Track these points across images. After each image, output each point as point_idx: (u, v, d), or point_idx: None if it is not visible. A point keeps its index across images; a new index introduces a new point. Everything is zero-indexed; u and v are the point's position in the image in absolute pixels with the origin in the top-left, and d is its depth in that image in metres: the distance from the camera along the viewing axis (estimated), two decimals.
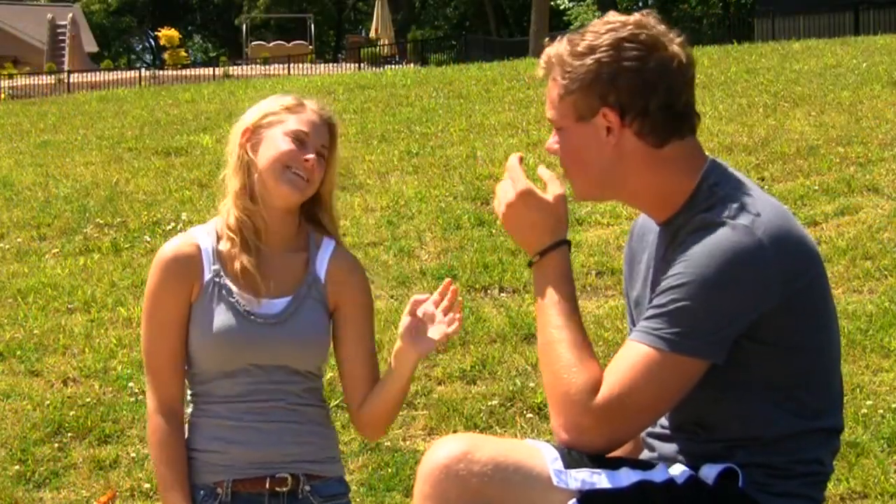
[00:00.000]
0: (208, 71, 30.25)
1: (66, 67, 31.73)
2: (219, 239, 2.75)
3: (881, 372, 4.99)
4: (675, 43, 2.17)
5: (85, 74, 29.66)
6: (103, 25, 53.59)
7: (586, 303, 6.20)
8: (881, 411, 4.59)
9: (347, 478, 4.47)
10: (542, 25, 27.62)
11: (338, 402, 5.11)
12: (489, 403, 5.07)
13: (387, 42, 34.75)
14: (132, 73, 30.42)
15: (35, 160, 11.51)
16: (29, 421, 5.09)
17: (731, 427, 2.15)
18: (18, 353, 5.91)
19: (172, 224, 8.31)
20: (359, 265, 2.83)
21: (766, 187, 8.03)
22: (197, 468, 2.70)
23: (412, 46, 37.95)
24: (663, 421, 2.25)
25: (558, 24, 37.34)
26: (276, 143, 2.69)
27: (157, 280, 2.73)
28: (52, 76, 29.47)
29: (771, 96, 11.34)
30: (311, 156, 2.67)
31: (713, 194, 2.14)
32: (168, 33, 32.85)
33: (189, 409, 2.77)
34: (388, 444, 4.77)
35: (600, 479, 2.03)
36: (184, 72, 29.57)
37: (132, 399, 5.29)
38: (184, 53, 34.06)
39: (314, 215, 2.80)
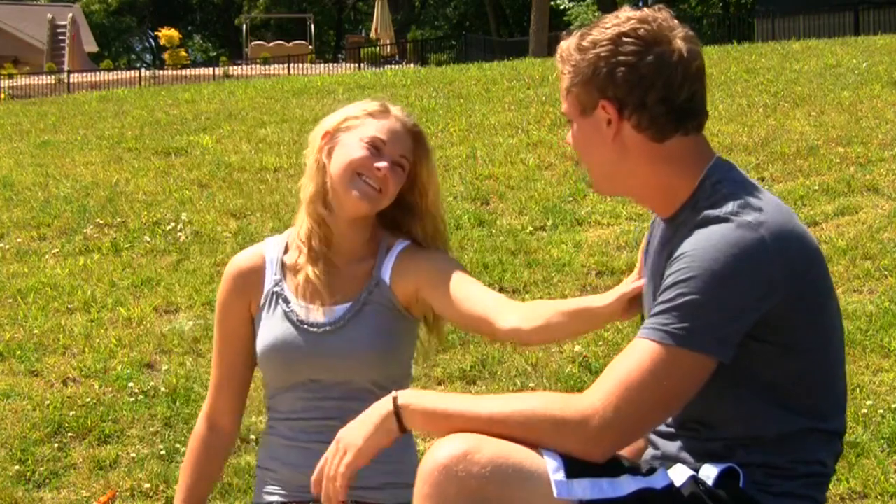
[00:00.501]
0: (208, 71, 30.25)
1: (66, 67, 31.73)
2: (287, 249, 2.70)
3: (881, 372, 4.99)
4: (679, 37, 2.17)
5: (85, 74, 29.65)
6: (103, 25, 53.59)
7: None
8: (881, 411, 4.59)
9: None
10: (542, 25, 27.61)
11: None
12: None
13: (387, 42, 34.75)
14: (132, 73, 30.42)
15: (35, 160, 11.51)
16: (29, 421, 5.09)
17: (733, 426, 2.15)
18: (18, 353, 5.91)
19: (172, 224, 8.31)
20: (436, 252, 2.66)
21: (767, 187, 7.99)
22: (258, 486, 2.68)
23: (412, 46, 37.95)
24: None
25: (558, 24, 37.34)
26: (350, 149, 2.59)
27: (221, 293, 2.71)
28: (52, 76, 29.47)
29: (771, 96, 11.34)
30: (383, 164, 2.57)
31: (716, 191, 2.14)
32: (168, 33, 32.85)
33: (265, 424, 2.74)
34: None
35: (602, 488, 2.01)
36: (184, 72, 29.58)
37: (132, 399, 5.29)
38: (184, 53, 34.05)
39: (401, 225, 2.68)
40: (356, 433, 2.13)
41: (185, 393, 5.28)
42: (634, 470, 2.08)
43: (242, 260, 2.72)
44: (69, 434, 4.98)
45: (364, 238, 2.67)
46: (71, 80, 28.42)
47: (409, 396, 2.13)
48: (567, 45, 2.23)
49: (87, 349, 5.95)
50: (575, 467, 2.01)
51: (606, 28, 2.18)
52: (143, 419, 5.09)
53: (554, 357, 5.46)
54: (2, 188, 9.98)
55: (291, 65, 30.27)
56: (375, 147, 2.59)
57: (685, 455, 2.19)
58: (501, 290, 6.47)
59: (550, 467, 2.00)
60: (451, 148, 10.33)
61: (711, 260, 2.04)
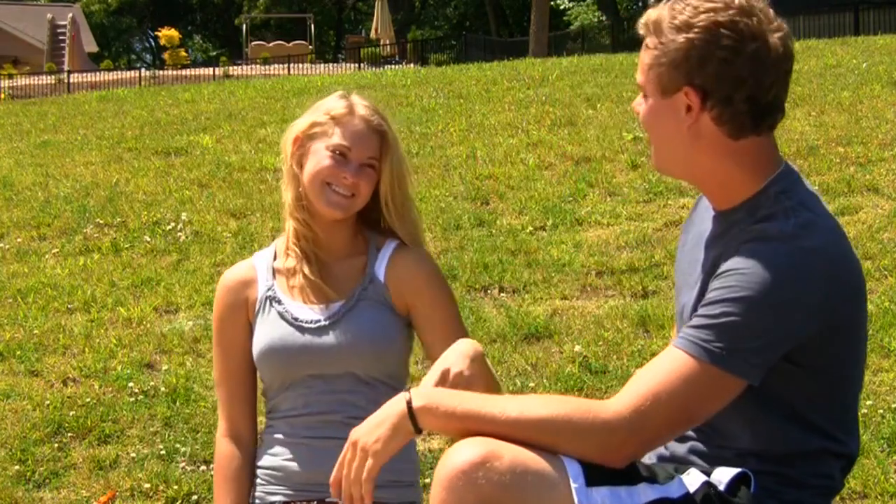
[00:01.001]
0: (208, 71, 30.25)
1: (66, 67, 31.72)
2: (276, 256, 2.73)
3: (881, 372, 4.98)
4: (776, 34, 2.12)
5: (85, 74, 29.64)
6: (103, 25, 53.59)
7: (586, 303, 6.20)
8: (881, 411, 4.59)
9: None
10: (542, 25, 27.63)
11: None
12: None
13: (387, 42, 34.75)
14: (132, 73, 30.41)
15: (35, 160, 11.51)
16: (29, 421, 5.09)
17: (746, 438, 2.13)
18: (18, 353, 5.91)
19: (172, 224, 8.31)
20: (422, 258, 2.70)
21: None
22: (259, 485, 2.68)
23: (412, 46, 37.94)
24: None
25: (558, 24, 37.34)
26: (317, 159, 2.63)
27: (217, 308, 2.74)
28: (52, 76, 29.46)
29: None
30: (349, 173, 2.60)
31: (778, 202, 2.09)
32: (168, 33, 32.84)
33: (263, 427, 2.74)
34: None
35: (619, 497, 1.99)
36: (184, 72, 29.58)
37: (132, 399, 5.29)
38: (184, 53, 34.05)
39: (375, 221, 2.72)
40: (372, 435, 2.08)
41: (185, 393, 5.28)
42: (652, 478, 2.06)
43: (234, 273, 2.76)
44: (69, 434, 4.98)
45: (349, 235, 2.71)
46: (71, 80, 28.41)
47: (425, 397, 2.08)
48: (658, 16, 2.13)
49: (87, 349, 5.95)
50: (594, 475, 1.99)
51: (702, 11, 2.08)
52: (143, 419, 5.09)
53: (554, 357, 5.46)
54: (2, 188, 9.99)
55: (291, 65, 30.27)
56: (342, 154, 2.63)
57: (695, 458, 2.18)
58: (501, 290, 6.48)
59: (571, 473, 1.98)
60: (451, 148, 10.33)
61: (762, 283, 1.99)
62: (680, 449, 2.22)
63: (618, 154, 9.37)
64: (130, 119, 14.17)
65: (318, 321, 2.62)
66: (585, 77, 13.79)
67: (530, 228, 7.63)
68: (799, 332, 2.02)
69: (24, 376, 5.65)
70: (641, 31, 2.16)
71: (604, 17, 36.76)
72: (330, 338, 2.59)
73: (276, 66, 30.55)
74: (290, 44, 36.66)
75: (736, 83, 2.07)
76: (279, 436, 2.65)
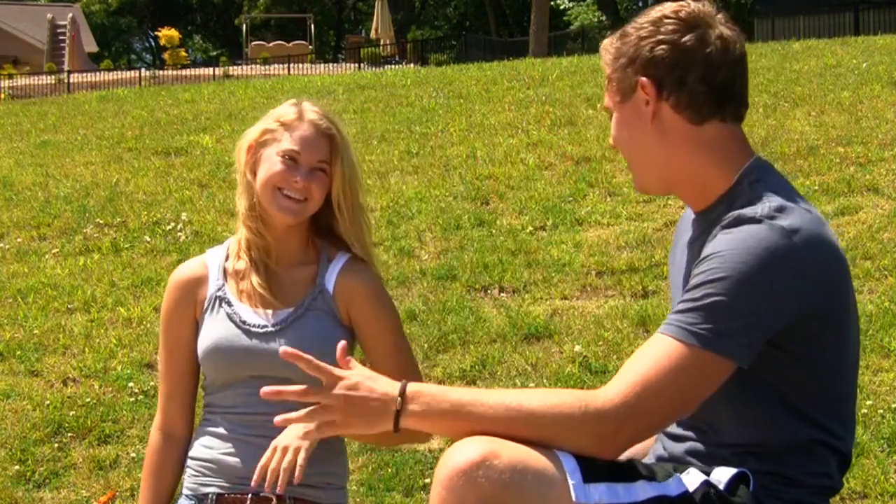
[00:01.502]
0: (208, 71, 30.25)
1: (66, 67, 31.72)
2: (228, 257, 2.77)
3: (881, 372, 4.98)
4: (722, 24, 2.19)
5: (85, 74, 29.64)
6: (103, 25, 53.59)
7: (586, 303, 6.20)
8: (881, 411, 4.59)
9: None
10: (542, 25, 27.63)
11: None
12: None
13: (387, 42, 34.75)
14: (132, 73, 30.41)
15: (35, 160, 11.52)
16: (29, 421, 5.09)
17: (740, 430, 2.14)
18: (18, 353, 5.91)
19: (172, 224, 8.31)
20: (371, 281, 2.73)
21: None
22: (192, 476, 2.71)
23: (412, 46, 37.94)
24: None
25: (558, 24, 37.33)
26: (268, 165, 2.67)
27: (165, 303, 2.77)
28: (52, 76, 29.46)
29: (771, 96, 11.34)
30: (300, 177, 2.64)
31: (753, 190, 2.13)
32: (168, 33, 32.84)
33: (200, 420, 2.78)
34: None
35: (617, 494, 2.00)
36: (184, 72, 29.57)
37: (132, 399, 5.29)
38: (184, 53, 34.04)
39: (328, 229, 2.75)
40: (360, 416, 2.10)
41: None
42: (650, 476, 2.07)
43: (185, 270, 2.79)
44: (69, 434, 4.98)
45: (301, 244, 2.74)
46: (71, 80, 28.41)
47: (417, 386, 2.08)
48: (608, 39, 2.25)
49: (87, 349, 5.95)
50: (591, 472, 2.00)
51: (648, 14, 2.20)
52: (143, 419, 5.09)
53: (554, 357, 5.46)
54: (2, 188, 9.99)
55: (291, 65, 30.26)
56: (292, 159, 2.66)
57: (693, 459, 2.18)
58: (501, 290, 6.48)
59: (568, 470, 1.98)
60: (451, 148, 10.33)
61: (742, 262, 2.02)
62: (678, 449, 2.23)
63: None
64: (130, 119, 14.17)
65: (266, 326, 2.66)
66: (585, 77, 13.78)
67: (530, 228, 7.63)
68: (784, 311, 2.03)
69: (24, 376, 5.65)
70: (602, 63, 2.26)
71: (604, 17, 36.76)
72: (276, 344, 2.62)
73: (276, 66, 30.55)
74: (290, 44, 36.65)
75: (685, 65, 2.14)
76: (217, 430, 2.69)
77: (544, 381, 5.20)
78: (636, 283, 6.36)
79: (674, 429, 2.25)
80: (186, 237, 8.01)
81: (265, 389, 2.22)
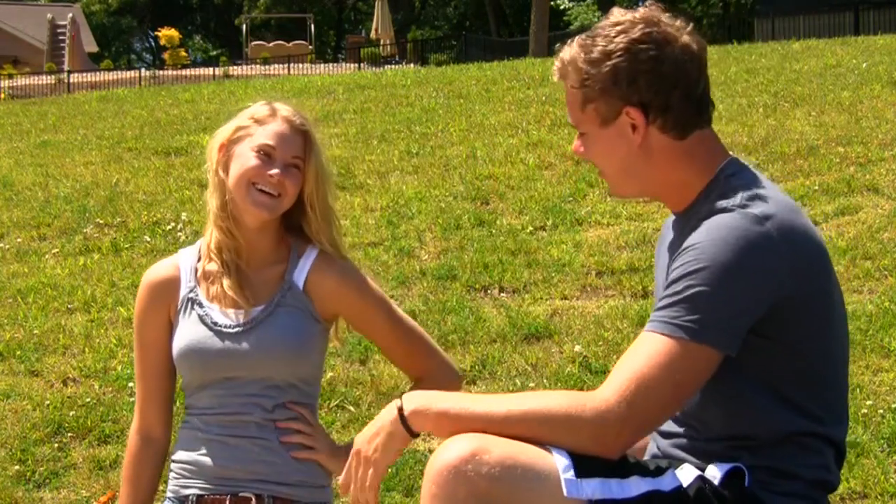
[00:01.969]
0: (208, 71, 30.25)
1: (66, 67, 31.72)
2: (200, 258, 2.76)
3: (881, 372, 4.98)
4: (685, 33, 2.20)
5: (85, 74, 29.65)
6: (103, 25, 53.60)
7: (586, 303, 6.20)
8: (881, 411, 4.59)
9: None
10: (542, 25, 27.62)
11: (338, 401, 5.11)
12: None
13: (387, 42, 34.74)
14: (132, 73, 30.41)
15: (35, 160, 11.52)
16: (29, 421, 5.09)
17: (729, 424, 2.15)
18: (18, 353, 5.91)
19: (172, 224, 8.31)
20: (346, 271, 2.72)
21: None
22: (174, 479, 2.71)
23: (412, 46, 37.94)
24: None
25: (558, 23, 37.33)
26: (242, 160, 2.65)
27: (138, 304, 2.77)
28: (52, 76, 29.47)
29: (771, 96, 11.34)
30: (275, 171, 2.62)
31: (727, 183, 2.16)
32: (168, 33, 32.85)
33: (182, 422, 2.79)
34: None
35: (611, 489, 2.01)
36: (184, 72, 29.58)
37: (132, 399, 5.28)
38: (184, 53, 34.05)
39: (299, 228, 2.74)
40: (371, 445, 2.14)
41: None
42: (643, 471, 2.08)
43: (157, 271, 2.78)
44: (69, 434, 4.98)
45: (272, 243, 2.73)
46: (71, 80, 28.41)
47: (415, 401, 2.12)
48: (571, 56, 2.22)
49: (87, 349, 5.95)
50: (584, 467, 2.00)
51: (614, 37, 2.17)
52: None
53: (554, 357, 5.46)
54: (2, 188, 9.99)
55: (291, 65, 30.27)
56: (266, 154, 2.64)
57: (688, 456, 2.19)
58: (501, 290, 6.48)
59: (560, 466, 1.99)
60: (451, 148, 10.33)
61: (718, 251, 2.04)
62: (672, 447, 2.23)
63: None
64: (130, 119, 14.17)
65: (236, 326, 2.65)
66: None
67: (530, 228, 7.63)
68: (764, 296, 2.05)
69: (24, 376, 5.65)
70: (557, 76, 2.25)
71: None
72: (246, 343, 2.62)
73: (276, 66, 30.55)
74: (290, 44, 36.65)
75: (668, 88, 2.16)
76: (195, 432, 2.69)
77: (544, 381, 5.20)
78: (636, 283, 6.36)
79: (666, 427, 2.26)
80: (186, 237, 8.01)
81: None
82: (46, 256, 7.83)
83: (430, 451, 4.57)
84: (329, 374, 5.34)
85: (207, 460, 2.64)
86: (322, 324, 2.70)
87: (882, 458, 4.24)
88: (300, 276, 2.69)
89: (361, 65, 31.64)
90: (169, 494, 2.70)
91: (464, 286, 6.53)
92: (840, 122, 9.70)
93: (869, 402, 4.65)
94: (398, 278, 6.72)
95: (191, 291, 2.71)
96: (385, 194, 8.77)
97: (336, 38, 54.03)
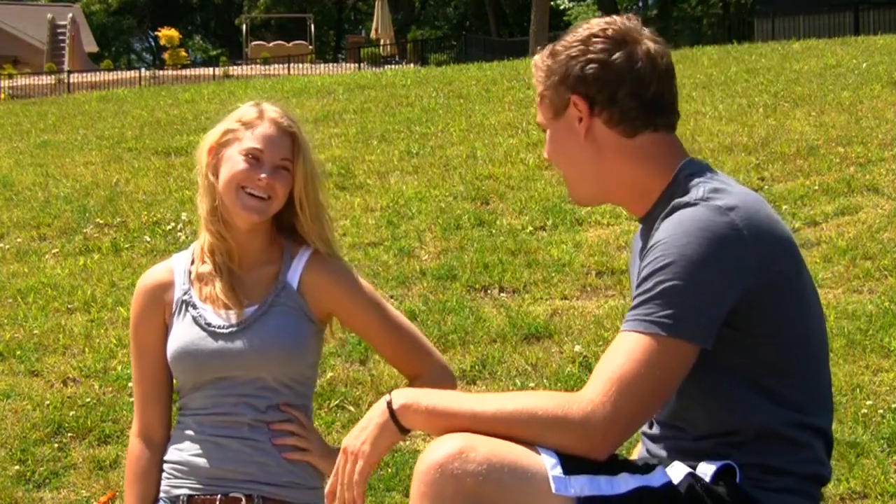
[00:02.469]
0: (208, 71, 30.25)
1: (66, 67, 31.72)
2: (193, 261, 2.77)
3: (881, 372, 4.98)
4: (647, 38, 2.24)
5: (85, 74, 29.64)
6: (103, 25, 53.60)
7: (586, 303, 6.20)
8: (881, 411, 4.59)
9: None
10: (542, 25, 27.59)
11: (338, 401, 5.11)
12: None
13: (387, 42, 34.74)
14: (132, 73, 30.41)
15: (35, 160, 11.52)
16: (29, 421, 5.09)
17: (714, 420, 2.15)
18: (18, 353, 5.91)
19: (172, 224, 8.32)
20: (339, 270, 2.74)
21: (766, 187, 8.04)
22: (165, 479, 2.72)
23: (412, 46, 37.94)
24: (651, 419, 2.26)
25: (558, 24, 37.32)
26: (231, 164, 2.67)
27: (134, 308, 2.78)
28: (52, 76, 29.46)
29: (771, 96, 11.34)
30: (264, 175, 2.63)
31: (688, 181, 2.18)
32: (168, 33, 32.84)
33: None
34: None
35: (599, 486, 2.02)
36: (184, 72, 29.58)
37: (132, 399, 5.28)
38: (184, 53, 34.04)
39: (291, 228, 2.75)
40: (359, 439, 2.15)
41: None
42: (633, 468, 2.08)
43: (152, 275, 2.79)
44: (69, 434, 4.98)
45: (264, 244, 2.74)
46: (71, 80, 28.41)
47: (405, 397, 2.13)
48: (538, 56, 2.30)
49: (87, 349, 5.95)
50: (572, 464, 2.01)
51: (577, 32, 2.26)
52: None
53: (554, 357, 5.46)
54: (2, 188, 9.99)
55: (291, 65, 30.26)
56: (255, 157, 2.66)
57: (676, 456, 2.19)
58: (501, 290, 6.48)
59: (548, 464, 2.00)
60: (451, 148, 10.34)
61: (685, 245, 2.05)
62: (661, 449, 2.24)
63: None
64: (130, 119, 14.18)
65: (230, 326, 2.66)
66: None
67: (530, 228, 7.63)
68: (733, 285, 2.06)
69: (24, 376, 5.65)
70: (534, 80, 2.31)
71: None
72: (240, 342, 2.64)
73: (276, 66, 30.55)
74: (290, 44, 36.65)
75: (616, 83, 2.20)
76: (187, 432, 2.70)
77: (544, 381, 5.20)
78: None
79: (655, 429, 2.27)
80: (186, 237, 8.01)
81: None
82: (46, 256, 7.84)
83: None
84: (329, 374, 5.34)
85: (199, 461, 2.65)
86: (316, 325, 2.72)
87: (882, 458, 4.24)
88: (294, 276, 2.71)
89: (361, 65, 31.64)
90: (161, 495, 2.71)
91: (464, 286, 6.53)
92: (840, 122, 9.70)
93: (869, 402, 4.65)
94: (398, 278, 6.72)
95: (185, 294, 2.72)
96: (385, 194, 8.77)
97: (336, 38, 54.04)
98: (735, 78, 12.82)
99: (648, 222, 2.24)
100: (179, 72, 29.51)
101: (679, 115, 2.28)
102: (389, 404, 2.13)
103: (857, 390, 4.78)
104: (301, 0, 51.53)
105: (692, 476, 2.09)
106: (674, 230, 2.08)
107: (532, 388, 5.11)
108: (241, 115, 2.74)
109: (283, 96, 14.94)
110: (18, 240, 8.28)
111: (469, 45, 35.13)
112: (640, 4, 46.54)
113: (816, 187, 7.85)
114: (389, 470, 4.55)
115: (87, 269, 7.43)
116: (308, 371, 2.73)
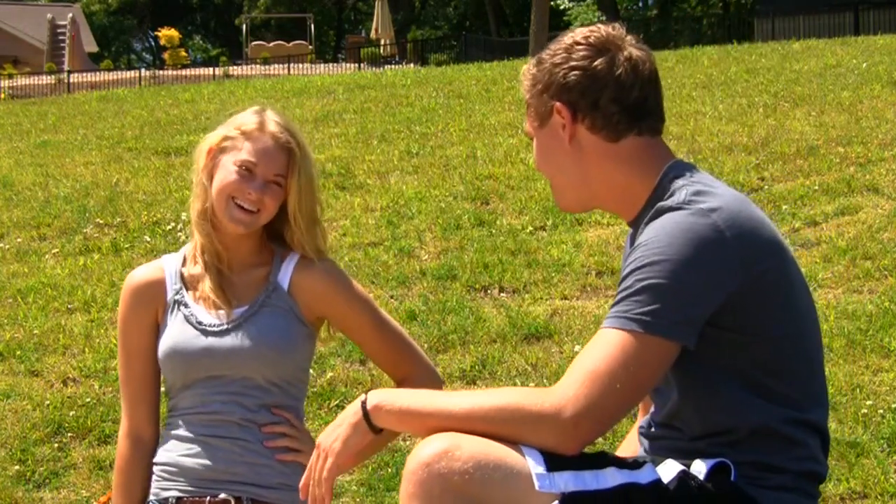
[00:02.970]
0: (208, 71, 30.25)
1: (66, 67, 31.72)
2: (184, 261, 2.79)
3: (881, 372, 4.98)
4: (630, 45, 2.26)
5: (85, 74, 29.64)
6: (103, 25, 53.61)
7: (586, 303, 6.20)
8: (881, 411, 4.59)
9: (347, 478, 4.48)
10: (542, 25, 27.56)
11: (338, 401, 5.11)
12: None
13: (387, 42, 34.74)
14: (132, 73, 30.40)
15: (35, 160, 11.52)
16: (29, 421, 5.09)
17: (709, 420, 2.15)
18: (18, 353, 5.91)
19: (172, 224, 8.31)
20: (330, 272, 2.74)
21: (766, 187, 8.04)
22: (155, 481, 2.72)
23: (412, 46, 37.94)
24: (649, 420, 2.27)
25: (558, 24, 37.33)
26: (224, 173, 2.68)
27: (122, 308, 2.77)
28: (52, 76, 29.46)
29: (771, 96, 11.34)
30: (253, 189, 2.64)
31: (673, 183, 2.19)
32: (168, 33, 32.84)
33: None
34: (388, 444, 4.77)
35: (584, 481, 2.03)
36: (184, 72, 29.57)
37: None
38: (184, 53, 34.03)
39: (281, 234, 2.75)
40: (332, 436, 2.18)
41: None
42: (620, 463, 2.09)
43: (141, 274, 2.79)
44: (69, 434, 4.98)
45: (254, 248, 2.75)
46: (71, 80, 28.41)
47: (379, 397, 2.16)
48: (526, 65, 2.34)
49: (87, 349, 5.95)
50: (556, 461, 2.03)
51: (561, 41, 2.29)
52: None
53: (554, 357, 5.46)
54: (2, 188, 9.99)
55: (291, 65, 30.26)
56: (248, 170, 2.66)
57: (673, 456, 2.19)
58: (501, 290, 6.48)
59: (531, 462, 2.01)
60: (451, 148, 10.34)
61: (666, 246, 2.07)
62: (658, 450, 2.24)
63: None
64: (130, 119, 14.18)
65: (221, 325, 2.67)
66: None
67: (530, 228, 7.63)
68: (717, 288, 2.06)
69: (24, 376, 5.65)
70: (521, 90, 2.35)
71: (604, 18, 36.77)
72: (230, 341, 2.64)
73: (276, 66, 30.54)
74: (290, 44, 36.65)
75: (597, 88, 2.23)
76: (177, 432, 2.70)
77: (544, 381, 5.20)
78: None
79: (651, 429, 2.28)
80: (186, 237, 8.01)
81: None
82: (46, 256, 7.84)
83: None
84: (329, 374, 5.35)
85: (188, 462, 2.65)
86: (307, 327, 2.72)
87: (882, 458, 4.24)
88: (284, 277, 2.72)
89: (361, 65, 31.63)
90: (150, 497, 2.71)
91: (464, 286, 6.53)
92: (840, 122, 9.70)
93: (869, 402, 4.66)
94: (398, 278, 6.72)
95: (177, 294, 2.73)
96: (385, 194, 8.77)
97: (336, 38, 54.04)
98: (735, 78, 12.82)
99: (636, 225, 2.25)
100: (179, 72, 29.51)
101: (665, 119, 2.30)
102: (364, 404, 2.16)
103: (857, 390, 4.78)
104: (301, 0, 51.53)
105: (685, 474, 2.09)
106: (656, 233, 2.09)
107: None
108: (241, 123, 2.73)
109: (282, 96, 14.96)
110: (18, 240, 8.28)
111: (469, 45, 35.13)
112: (640, 4, 46.55)
113: (816, 187, 7.85)
114: (389, 470, 4.55)
115: (87, 269, 7.44)
116: (299, 373, 2.73)
